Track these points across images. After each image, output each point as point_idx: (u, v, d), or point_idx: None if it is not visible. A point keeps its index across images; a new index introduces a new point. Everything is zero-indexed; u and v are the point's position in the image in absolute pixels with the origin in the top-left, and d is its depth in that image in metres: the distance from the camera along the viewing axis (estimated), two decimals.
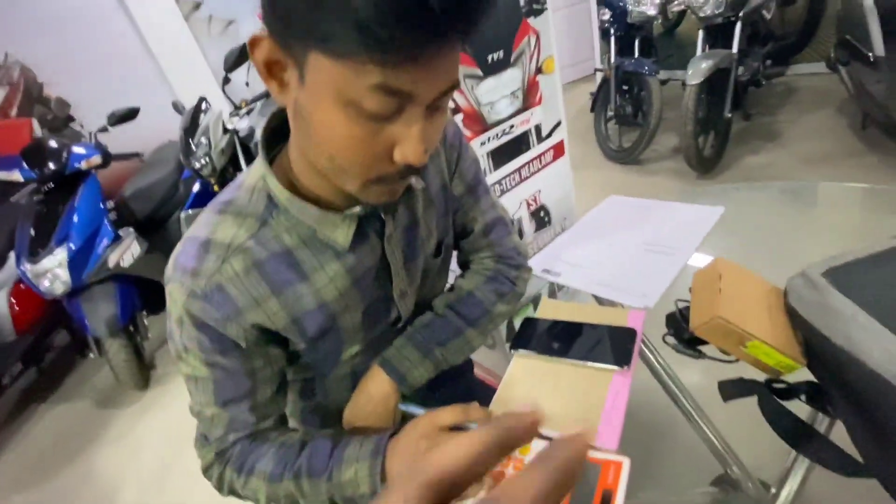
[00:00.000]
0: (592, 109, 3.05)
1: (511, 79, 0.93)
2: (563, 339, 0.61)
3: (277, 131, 0.52)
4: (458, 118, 0.89)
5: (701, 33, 2.50)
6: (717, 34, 2.51)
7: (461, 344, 0.64)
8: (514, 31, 0.91)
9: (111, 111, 2.11)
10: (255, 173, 0.50)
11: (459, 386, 0.80)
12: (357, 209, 0.50)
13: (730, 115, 2.45)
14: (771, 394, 0.46)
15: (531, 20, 0.93)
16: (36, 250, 1.86)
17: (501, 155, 0.99)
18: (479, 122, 0.93)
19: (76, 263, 1.88)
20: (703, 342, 0.54)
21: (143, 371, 2.13)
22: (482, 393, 0.80)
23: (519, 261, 0.71)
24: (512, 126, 0.97)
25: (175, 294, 0.47)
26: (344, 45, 0.33)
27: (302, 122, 0.41)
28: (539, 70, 0.98)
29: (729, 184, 2.40)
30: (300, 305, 0.51)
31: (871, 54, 2.15)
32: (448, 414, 0.46)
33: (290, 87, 0.40)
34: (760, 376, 0.52)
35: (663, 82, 2.82)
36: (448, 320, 0.64)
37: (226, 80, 2.13)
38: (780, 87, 3.29)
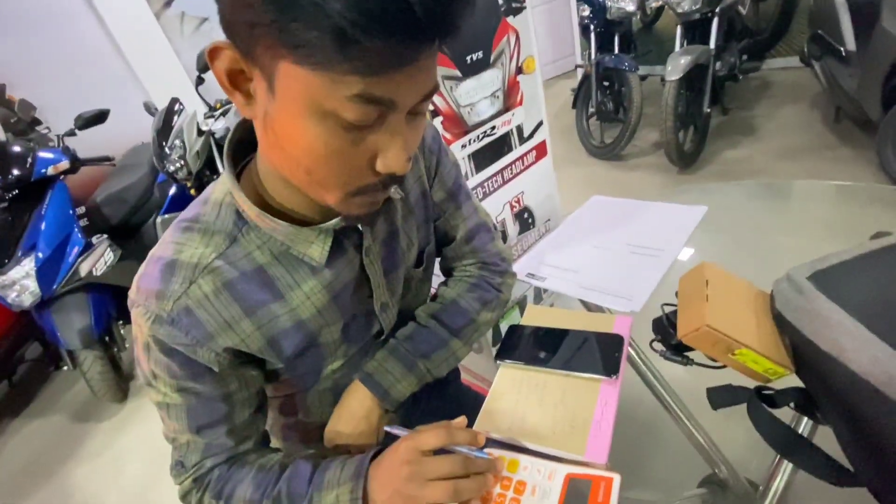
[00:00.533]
0: (574, 106, 3.06)
1: (491, 79, 0.91)
2: (549, 348, 0.60)
3: (243, 143, 0.49)
4: (438, 121, 0.87)
5: (679, 29, 2.52)
6: (695, 30, 2.54)
7: (446, 355, 0.62)
8: (494, 30, 0.89)
9: (79, 114, 2.03)
10: (221, 187, 0.48)
11: (446, 394, 0.78)
12: (332, 223, 0.48)
13: (708, 110, 2.49)
14: (760, 401, 0.46)
15: (510, 19, 0.91)
16: (1, 261, 1.78)
17: (483, 157, 0.97)
18: (459, 125, 0.91)
19: (45, 273, 1.80)
20: (691, 348, 0.54)
21: (121, 383, 2.06)
22: (470, 401, 0.79)
23: (503, 267, 0.69)
24: (493, 128, 0.96)
25: (139, 319, 0.45)
26: (321, 54, 0.30)
27: (273, 136, 0.38)
28: (520, 70, 0.96)
29: (710, 181, 2.44)
30: (276, 325, 0.49)
31: (842, 49, 2.20)
32: (431, 437, 0.44)
33: (258, 98, 0.37)
34: (748, 381, 0.51)
35: (643, 78, 2.84)
36: (432, 331, 0.63)
37: (199, 81, 2.07)
38: (756, 82, 3.35)
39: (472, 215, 0.67)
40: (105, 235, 2.08)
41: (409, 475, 0.42)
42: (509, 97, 0.96)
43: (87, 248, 1.96)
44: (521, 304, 1.17)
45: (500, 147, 0.98)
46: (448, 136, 0.89)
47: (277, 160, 0.41)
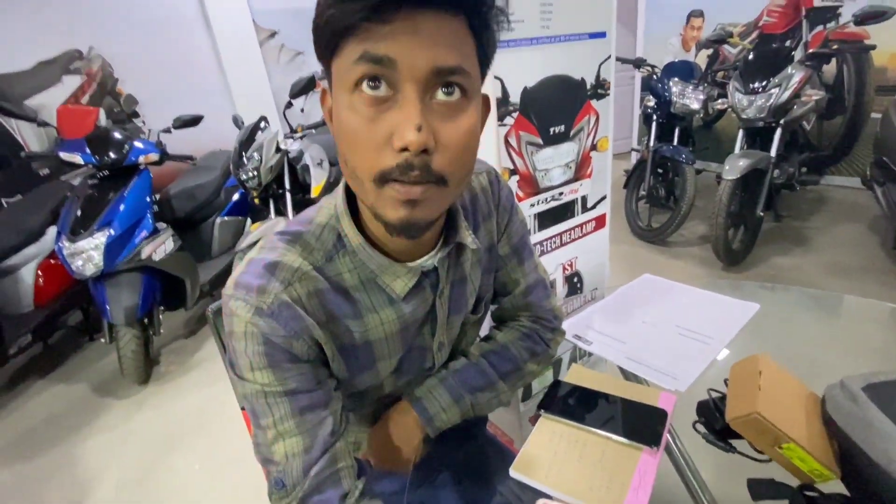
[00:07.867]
0: (625, 186, 3.13)
1: (568, 151, 0.99)
2: (592, 409, 0.62)
3: None
4: (514, 180, 0.95)
5: (741, 133, 2.59)
6: (756, 135, 2.60)
7: (491, 395, 0.65)
8: (578, 109, 0.98)
9: (178, 115, 2.25)
10: (326, 212, 0.53)
11: (471, 436, 0.79)
12: (420, 262, 0.53)
13: (762, 214, 2.49)
14: (805, 502, 0.46)
15: (594, 102, 1.01)
16: (78, 230, 1.93)
17: (547, 218, 1.03)
18: (532, 185, 0.98)
19: (112, 249, 1.94)
20: (736, 436, 0.55)
21: (147, 366, 2.14)
22: (494, 448, 0.80)
23: (555, 324, 0.73)
24: (561, 193, 1.02)
25: (239, 311, 0.46)
26: (336, 25, 0.37)
27: (336, 131, 0.44)
28: (594, 147, 1.04)
29: (755, 281, 2.40)
30: (348, 338, 0.53)
31: None
32: None
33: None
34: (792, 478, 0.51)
35: (697, 172, 2.90)
36: (481, 369, 0.66)
37: (288, 105, 2.27)
38: (813, 195, 3.35)
39: (533, 272, 0.70)
40: (167, 225, 2.24)
41: None
42: (580, 169, 1.03)
43: (153, 233, 2.11)
44: (556, 366, 1.18)
45: (563, 212, 1.05)
46: (521, 193, 0.96)
47: (344, 168, 0.45)
